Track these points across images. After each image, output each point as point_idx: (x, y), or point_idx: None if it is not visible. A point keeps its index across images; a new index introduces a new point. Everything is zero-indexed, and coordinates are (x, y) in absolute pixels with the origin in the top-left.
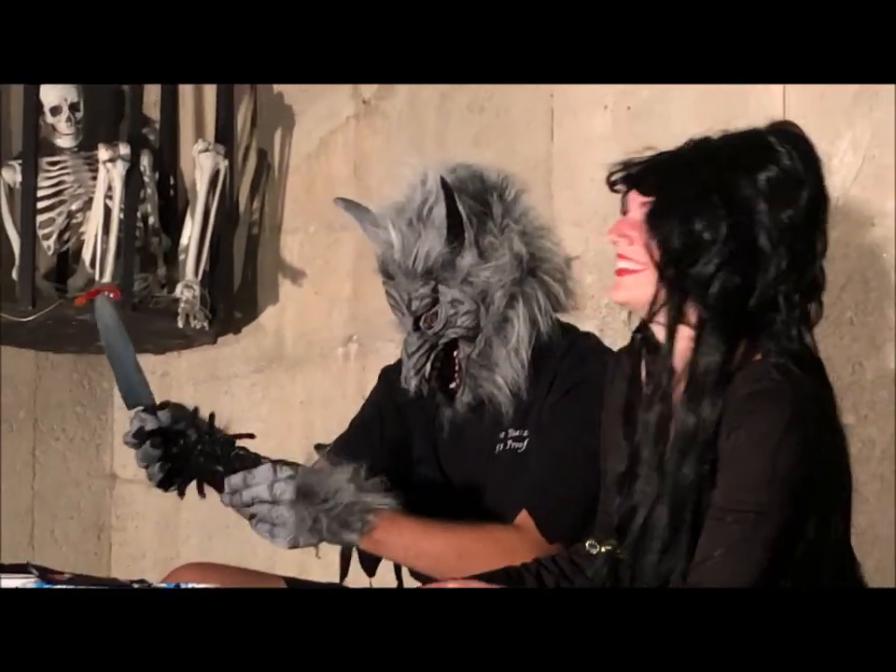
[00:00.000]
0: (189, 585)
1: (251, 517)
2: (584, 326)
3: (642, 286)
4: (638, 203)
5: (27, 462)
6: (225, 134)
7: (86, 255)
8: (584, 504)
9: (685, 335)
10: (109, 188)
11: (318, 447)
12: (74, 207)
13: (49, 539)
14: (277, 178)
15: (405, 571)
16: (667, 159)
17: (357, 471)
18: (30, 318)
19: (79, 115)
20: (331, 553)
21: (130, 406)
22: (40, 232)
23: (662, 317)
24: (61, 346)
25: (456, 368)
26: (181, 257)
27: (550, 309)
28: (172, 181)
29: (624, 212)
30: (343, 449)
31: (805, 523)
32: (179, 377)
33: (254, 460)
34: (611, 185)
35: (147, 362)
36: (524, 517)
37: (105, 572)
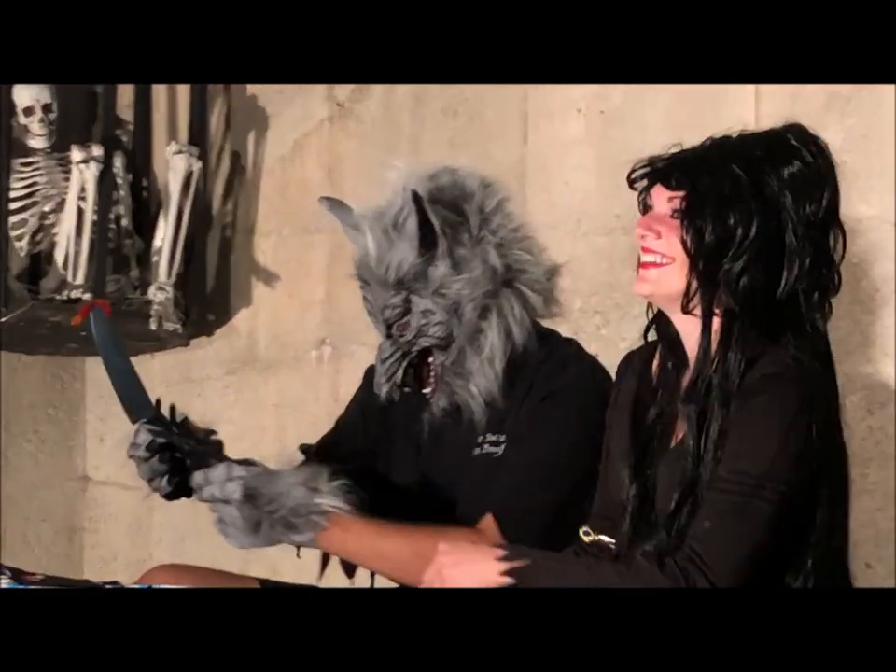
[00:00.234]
0: (163, 587)
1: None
2: (557, 330)
3: (668, 279)
4: (666, 198)
5: None
6: (198, 136)
7: (58, 256)
8: (553, 511)
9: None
10: (82, 189)
11: (303, 447)
12: (46, 208)
13: (20, 542)
14: (251, 180)
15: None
16: (692, 155)
17: (315, 474)
18: (2, 320)
19: (52, 116)
20: (309, 553)
21: (134, 419)
22: (12, 234)
23: (675, 307)
24: (33, 347)
25: (432, 374)
26: (154, 259)
27: (527, 319)
28: (145, 183)
29: (645, 209)
30: (327, 448)
31: (800, 512)
32: (152, 379)
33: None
34: (631, 182)
35: None
36: (488, 521)
37: (78, 574)
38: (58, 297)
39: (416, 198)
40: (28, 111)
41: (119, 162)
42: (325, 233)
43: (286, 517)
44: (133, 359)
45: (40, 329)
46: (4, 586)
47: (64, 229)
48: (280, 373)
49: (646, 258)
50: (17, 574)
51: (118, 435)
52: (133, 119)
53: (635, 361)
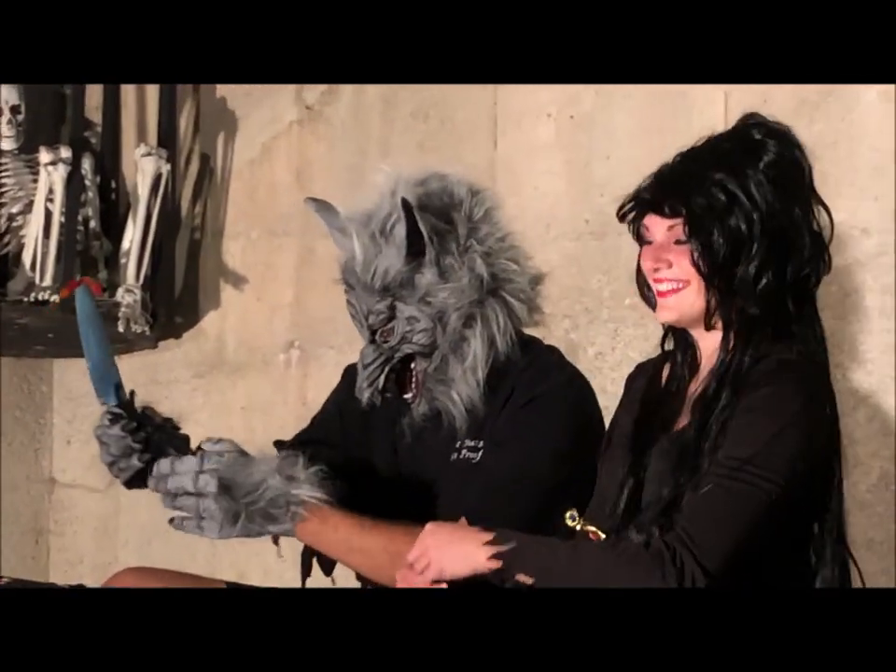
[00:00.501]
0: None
1: (173, 509)
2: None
3: (687, 301)
4: (665, 228)
5: None
6: (167, 139)
7: (26, 258)
8: (529, 516)
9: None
10: (50, 191)
11: (277, 443)
12: (14, 210)
13: None
14: (220, 183)
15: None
16: (672, 177)
17: (290, 462)
18: None
19: (20, 117)
20: (275, 556)
21: (100, 396)
22: None
23: (698, 325)
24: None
25: (413, 379)
26: (122, 261)
27: (510, 328)
28: (113, 185)
29: (643, 241)
30: (303, 445)
31: (789, 511)
32: None
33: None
34: (622, 217)
35: None
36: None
37: (44, 577)
38: (26, 299)
39: (406, 206)
40: None
41: (87, 164)
42: (294, 237)
43: (264, 508)
44: None
45: (7, 331)
46: None
47: (32, 230)
48: (248, 376)
49: (661, 287)
50: None
51: (84, 438)
52: (102, 121)
53: (647, 367)
